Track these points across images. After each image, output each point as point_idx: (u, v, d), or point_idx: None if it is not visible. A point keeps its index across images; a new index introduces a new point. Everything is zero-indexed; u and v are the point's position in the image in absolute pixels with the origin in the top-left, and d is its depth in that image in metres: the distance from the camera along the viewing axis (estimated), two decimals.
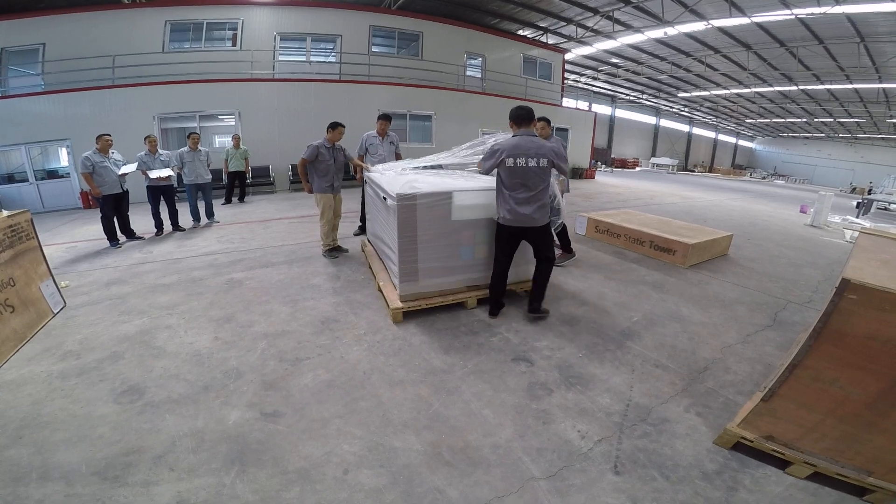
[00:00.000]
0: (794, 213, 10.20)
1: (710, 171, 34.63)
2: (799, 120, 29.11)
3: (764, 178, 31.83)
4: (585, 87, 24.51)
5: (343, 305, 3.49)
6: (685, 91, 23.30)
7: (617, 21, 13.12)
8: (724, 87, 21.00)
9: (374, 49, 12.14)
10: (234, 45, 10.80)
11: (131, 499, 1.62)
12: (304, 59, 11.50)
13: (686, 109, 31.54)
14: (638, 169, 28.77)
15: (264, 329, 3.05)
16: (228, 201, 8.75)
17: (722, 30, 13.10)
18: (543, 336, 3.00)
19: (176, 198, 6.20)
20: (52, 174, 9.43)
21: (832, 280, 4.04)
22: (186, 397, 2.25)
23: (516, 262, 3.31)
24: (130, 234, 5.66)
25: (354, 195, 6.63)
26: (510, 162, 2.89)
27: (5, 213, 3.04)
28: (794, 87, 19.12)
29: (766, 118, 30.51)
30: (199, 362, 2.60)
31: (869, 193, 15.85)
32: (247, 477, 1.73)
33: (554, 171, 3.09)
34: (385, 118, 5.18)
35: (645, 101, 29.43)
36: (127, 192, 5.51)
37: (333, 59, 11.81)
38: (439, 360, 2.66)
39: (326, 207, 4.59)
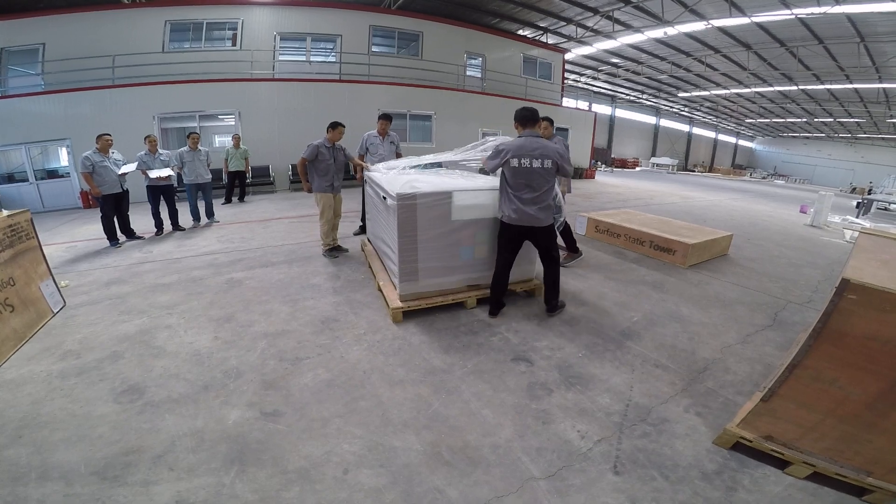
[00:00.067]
0: (794, 213, 10.20)
1: (710, 171, 34.63)
2: (799, 120, 29.11)
3: (764, 178, 31.84)
4: (585, 86, 24.52)
5: (343, 305, 3.49)
6: (685, 91, 23.30)
7: (617, 21, 13.12)
8: (724, 87, 21.01)
9: (374, 49, 12.13)
10: (234, 44, 10.80)
11: (131, 498, 1.62)
12: (304, 58, 11.50)
13: (686, 109, 31.55)
14: (638, 169, 28.76)
15: (264, 329, 3.05)
16: (228, 201, 8.75)
17: (722, 30, 13.10)
18: (543, 336, 3.00)
19: (176, 197, 6.20)
20: (52, 174, 9.44)
21: (832, 280, 4.04)
22: (186, 397, 2.25)
23: (517, 262, 3.31)
24: (130, 234, 5.66)
25: (354, 195, 6.63)
26: (515, 162, 2.91)
27: (5, 212, 3.04)
28: (795, 87, 19.13)
29: (766, 118, 30.52)
30: (198, 362, 2.60)
31: (869, 193, 15.85)
32: (246, 476, 1.73)
33: None
34: (386, 118, 5.19)
35: (645, 101, 29.44)
36: (127, 191, 5.51)
37: (333, 59, 11.81)
38: (439, 360, 2.66)
39: (326, 207, 4.59)
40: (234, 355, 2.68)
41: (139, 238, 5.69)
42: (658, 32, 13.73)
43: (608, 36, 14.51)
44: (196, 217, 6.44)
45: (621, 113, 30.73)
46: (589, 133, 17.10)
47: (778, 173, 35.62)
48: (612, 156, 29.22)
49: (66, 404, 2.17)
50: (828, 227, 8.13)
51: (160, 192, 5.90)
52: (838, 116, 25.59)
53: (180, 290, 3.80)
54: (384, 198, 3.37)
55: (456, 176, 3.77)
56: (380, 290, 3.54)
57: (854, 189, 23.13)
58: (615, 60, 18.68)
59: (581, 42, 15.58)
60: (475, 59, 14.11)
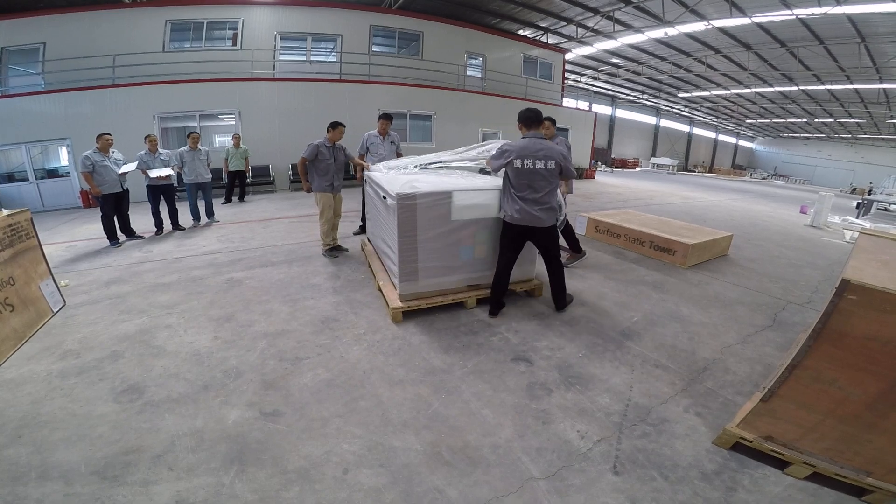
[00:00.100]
0: (794, 213, 10.20)
1: (710, 172, 34.62)
2: (799, 120, 29.10)
3: (764, 178, 31.83)
4: (585, 87, 24.50)
5: (343, 305, 3.49)
6: (685, 91, 23.29)
7: (617, 21, 13.11)
8: (725, 88, 21.00)
9: (375, 49, 12.14)
10: (234, 44, 10.80)
11: (130, 498, 1.62)
12: (304, 58, 11.50)
13: (686, 109, 31.53)
14: (638, 169, 28.76)
15: (264, 328, 3.05)
16: (228, 200, 8.75)
17: (722, 30, 13.09)
18: (543, 336, 3.00)
19: (176, 197, 6.20)
20: (52, 173, 9.43)
21: (832, 280, 4.04)
22: (186, 396, 2.25)
23: (517, 262, 3.32)
24: (130, 234, 5.66)
25: (354, 195, 6.63)
26: (518, 163, 2.94)
27: (5, 212, 3.04)
28: (795, 88, 19.13)
29: (766, 118, 30.51)
30: (198, 361, 2.60)
31: (869, 194, 15.85)
32: (246, 476, 1.73)
33: None
34: (386, 118, 5.19)
35: (645, 101, 29.41)
36: (127, 191, 5.51)
37: (334, 59, 11.80)
38: (439, 360, 2.66)
39: (326, 207, 4.59)
40: (234, 355, 2.68)
41: (139, 237, 5.69)
42: (658, 33, 13.73)
43: (608, 36, 14.51)
44: (196, 217, 6.44)
45: (621, 113, 30.72)
46: (589, 133, 17.10)
47: (778, 174, 35.62)
48: (613, 156, 29.23)
49: (66, 404, 2.16)
50: (828, 227, 8.13)
51: (160, 192, 5.90)
52: (839, 117, 25.59)
53: (180, 289, 3.80)
54: (384, 198, 3.37)
55: (456, 176, 3.77)
56: (380, 289, 3.54)
57: (854, 189, 23.14)
58: (615, 60, 18.67)
59: (581, 42, 15.57)
60: (475, 59, 14.11)
